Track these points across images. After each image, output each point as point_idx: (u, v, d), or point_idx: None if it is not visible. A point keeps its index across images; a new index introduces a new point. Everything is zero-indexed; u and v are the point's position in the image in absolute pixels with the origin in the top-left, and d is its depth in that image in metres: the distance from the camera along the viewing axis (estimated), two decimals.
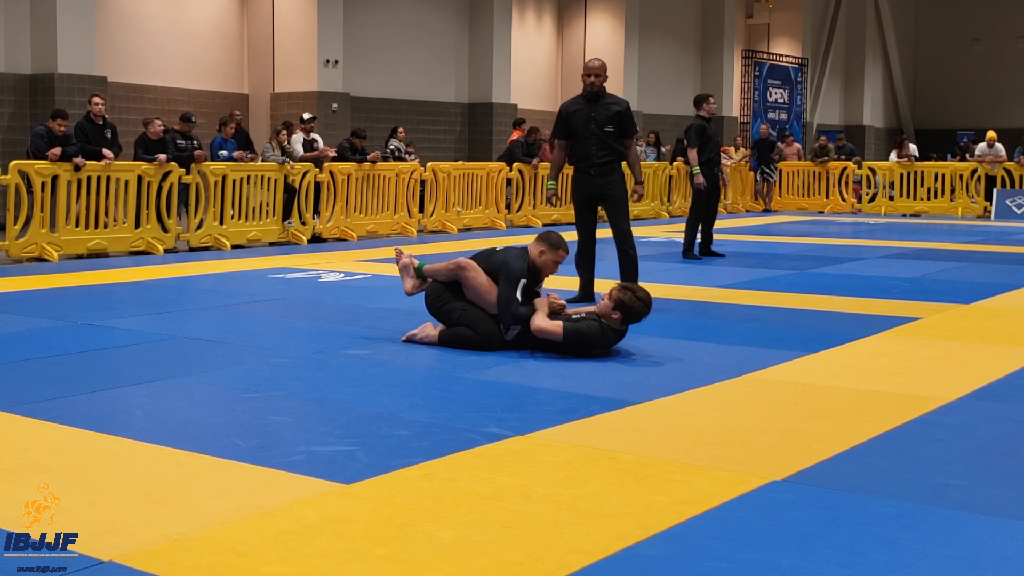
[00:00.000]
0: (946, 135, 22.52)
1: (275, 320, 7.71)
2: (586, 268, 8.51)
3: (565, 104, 8.61)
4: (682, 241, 12.76)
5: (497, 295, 6.39)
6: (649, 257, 12.35)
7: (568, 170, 9.10)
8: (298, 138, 15.04)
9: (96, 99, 12.74)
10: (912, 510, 3.61)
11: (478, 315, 6.42)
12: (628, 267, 8.42)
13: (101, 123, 12.71)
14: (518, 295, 6.36)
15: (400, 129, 17.83)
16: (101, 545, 3.20)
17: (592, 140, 8.33)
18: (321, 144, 15.25)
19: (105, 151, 12.30)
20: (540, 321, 6.30)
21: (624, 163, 8.56)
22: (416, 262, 6.83)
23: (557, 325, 6.27)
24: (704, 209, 12.52)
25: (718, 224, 13.17)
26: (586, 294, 8.42)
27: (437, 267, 6.67)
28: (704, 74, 28.98)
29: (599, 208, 8.52)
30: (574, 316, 6.42)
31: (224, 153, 14.10)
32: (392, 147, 17.24)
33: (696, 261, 12.03)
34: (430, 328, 6.62)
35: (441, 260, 6.86)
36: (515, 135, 18.55)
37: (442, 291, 6.58)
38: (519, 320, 6.37)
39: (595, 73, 8.33)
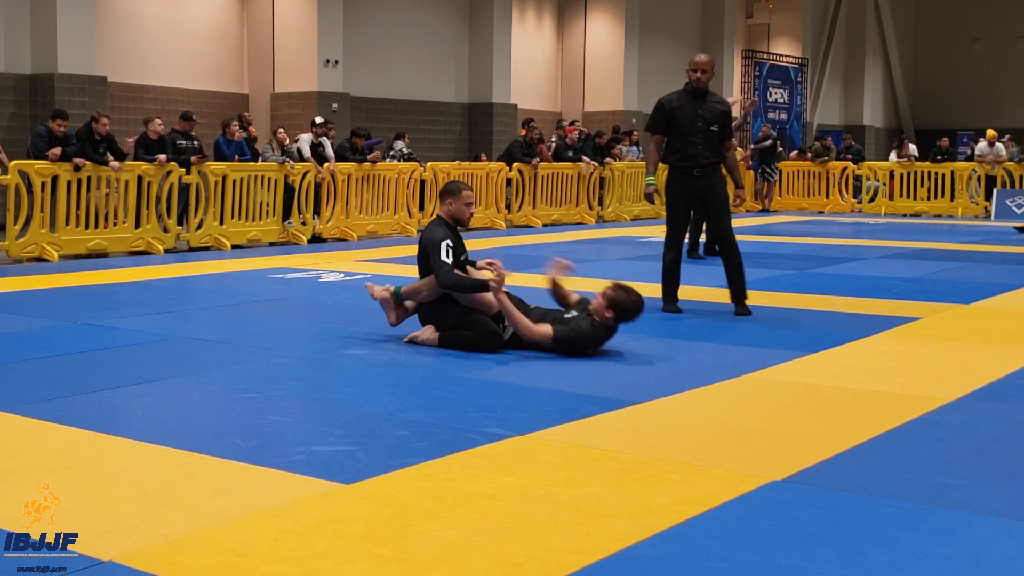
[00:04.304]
0: (946, 135, 22.50)
1: (275, 320, 7.71)
2: (673, 282, 8.13)
3: (666, 99, 8.13)
4: (685, 241, 12.72)
5: (431, 266, 6.41)
6: (651, 257, 12.35)
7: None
8: (306, 139, 15.02)
9: (104, 119, 12.43)
10: (912, 510, 3.60)
11: (475, 316, 6.41)
12: (737, 272, 7.98)
13: (99, 138, 12.43)
14: (446, 258, 6.35)
15: (406, 135, 17.92)
16: (101, 545, 3.20)
17: (699, 139, 7.89)
18: (329, 149, 15.17)
19: (112, 163, 12.24)
20: (525, 329, 6.30)
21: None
22: (391, 289, 6.79)
23: (546, 329, 6.28)
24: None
25: None
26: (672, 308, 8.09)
27: (416, 287, 6.63)
28: None
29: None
30: (566, 316, 6.43)
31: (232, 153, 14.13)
32: (398, 148, 17.28)
33: (699, 261, 12.03)
34: (431, 331, 6.62)
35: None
36: (523, 134, 18.50)
37: (432, 304, 6.58)
38: (463, 286, 6.34)
39: (701, 69, 7.92)
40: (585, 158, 18.55)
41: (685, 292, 9.17)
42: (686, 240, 12.17)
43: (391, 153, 17.19)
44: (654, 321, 7.67)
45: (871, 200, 21.60)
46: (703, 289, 9.42)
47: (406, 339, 6.65)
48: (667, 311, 8.06)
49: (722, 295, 9.01)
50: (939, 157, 21.02)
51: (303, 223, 14.39)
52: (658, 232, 16.22)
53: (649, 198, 8.39)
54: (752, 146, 22.23)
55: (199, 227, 13.20)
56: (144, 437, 4.41)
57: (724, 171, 8.22)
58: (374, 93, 20.73)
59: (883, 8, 35.74)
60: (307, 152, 14.75)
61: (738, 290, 8.01)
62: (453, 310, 6.47)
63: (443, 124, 22.24)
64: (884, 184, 21.44)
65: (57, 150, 11.85)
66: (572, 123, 20.20)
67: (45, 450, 4.23)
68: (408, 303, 6.74)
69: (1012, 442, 4.52)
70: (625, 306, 6.28)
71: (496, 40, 22.34)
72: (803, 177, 22.22)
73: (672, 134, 8.03)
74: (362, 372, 5.79)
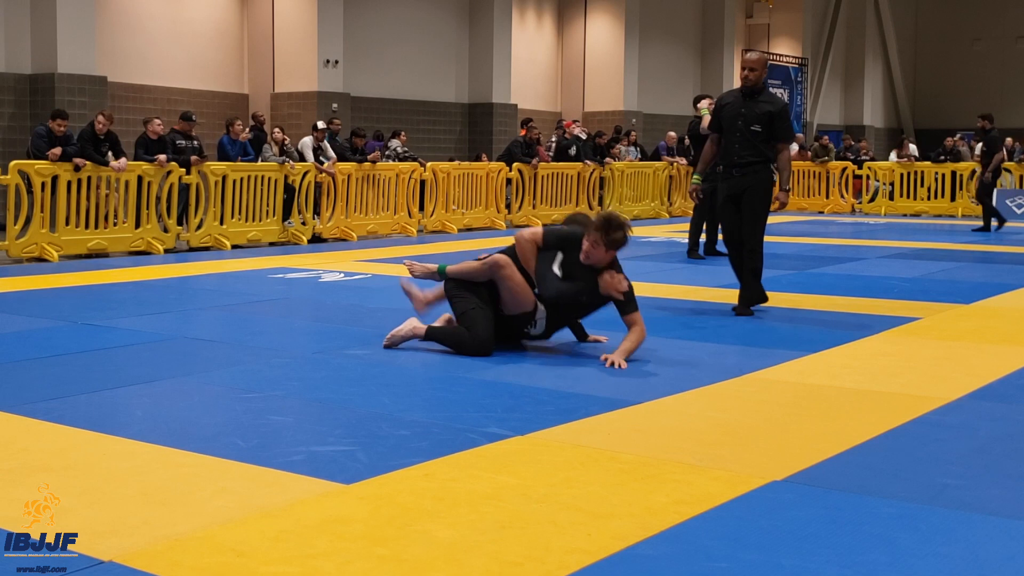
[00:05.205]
0: (947, 135, 22.55)
1: (275, 320, 7.71)
2: (740, 279, 7.98)
3: (722, 96, 8.18)
4: (685, 241, 12.74)
5: (535, 271, 6.23)
6: (651, 257, 12.36)
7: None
8: (308, 143, 15.02)
9: (101, 117, 12.45)
10: (912, 510, 3.60)
11: (480, 317, 6.18)
12: (753, 278, 7.87)
13: (102, 137, 12.51)
14: (555, 269, 6.17)
15: (403, 133, 17.92)
16: (101, 545, 3.20)
17: (736, 138, 7.81)
18: (330, 150, 15.17)
19: (113, 163, 12.26)
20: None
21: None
22: (434, 267, 6.53)
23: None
24: (708, 208, 12.51)
25: None
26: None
27: (466, 268, 6.34)
28: (704, 74, 28.97)
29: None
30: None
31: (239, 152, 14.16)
32: (393, 147, 17.29)
33: (699, 261, 12.02)
34: (414, 322, 6.40)
35: (433, 260, 6.72)
36: (523, 134, 18.51)
37: (467, 284, 6.33)
38: (560, 294, 6.16)
39: (749, 67, 7.81)
40: (579, 129, 18.72)
41: (684, 292, 9.19)
42: (700, 236, 12.33)
43: (387, 152, 17.19)
44: (653, 321, 7.66)
45: (871, 200, 21.62)
46: (703, 289, 9.42)
47: (386, 341, 6.38)
48: (739, 313, 7.96)
49: (722, 295, 9.02)
50: (943, 157, 21.02)
51: (303, 223, 14.39)
52: (658, 232, 16.24)
53: (691, 195, 8.51)
54: None
55: (199, 227, 13.20)
56: (144, 437, 4.41)
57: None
58: (374, 93, 20.73)
59: (883, 8, 35.74)
60: (310, 158, 14.76)
61: (749, 294, 7.96)
62: (473, 302, 6.23)
63: (443, 124, 22.24)
64: (886, 185, 21.48)
65: (57, 150, 11.85)
66: (574, 122, 20.23)
67: (45, 450, 4.23)
68: (428, 294, 6.59)
69: (1012, 442, 4.52)
70: (616, 237, 6.12)
71: (496, 40, 22.34)
72: (803, 177, 22.22)
73: (722, 132, 8.02)
74: (362, 372, 5.78)
